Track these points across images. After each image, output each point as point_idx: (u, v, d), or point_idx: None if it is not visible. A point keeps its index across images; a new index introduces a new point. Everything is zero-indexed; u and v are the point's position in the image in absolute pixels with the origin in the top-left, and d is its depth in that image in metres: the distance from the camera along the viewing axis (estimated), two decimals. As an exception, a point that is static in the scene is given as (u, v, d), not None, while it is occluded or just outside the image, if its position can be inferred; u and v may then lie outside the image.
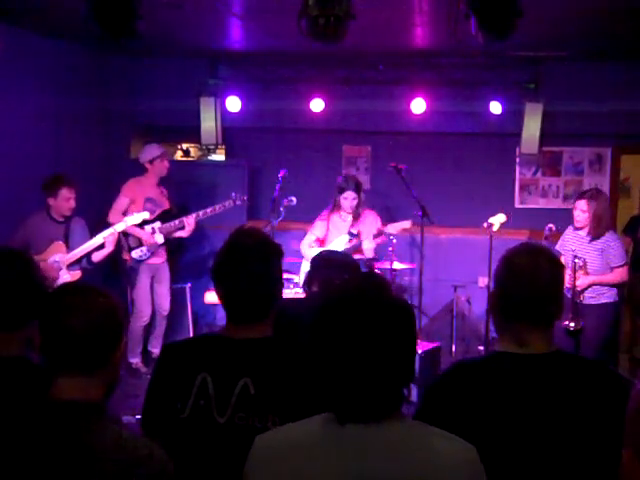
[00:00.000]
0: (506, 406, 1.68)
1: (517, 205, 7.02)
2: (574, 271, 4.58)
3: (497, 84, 6.36)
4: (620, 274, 4.62)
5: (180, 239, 5.95)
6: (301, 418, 1.43)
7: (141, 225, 5.58)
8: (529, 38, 5.11)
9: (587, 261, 4.64)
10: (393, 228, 5.42)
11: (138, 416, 4.62)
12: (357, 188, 5.49)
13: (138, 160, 5.95)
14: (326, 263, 3.03)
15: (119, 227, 5.28)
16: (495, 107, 6.35)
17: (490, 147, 6.93)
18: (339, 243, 5.48)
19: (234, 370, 1.77)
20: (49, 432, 1.45)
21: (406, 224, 5.42)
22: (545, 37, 5.50)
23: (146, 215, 5.44)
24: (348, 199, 5.47)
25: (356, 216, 5.53)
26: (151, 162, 5.73)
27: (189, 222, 5.62)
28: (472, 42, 3.63)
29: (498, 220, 5.61)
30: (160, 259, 5.84)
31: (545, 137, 6.17)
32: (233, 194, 5.76)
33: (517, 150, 6.42)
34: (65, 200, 5.00)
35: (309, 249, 5.52)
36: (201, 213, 5.64)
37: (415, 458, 1.32)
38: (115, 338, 1.58)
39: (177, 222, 5.64)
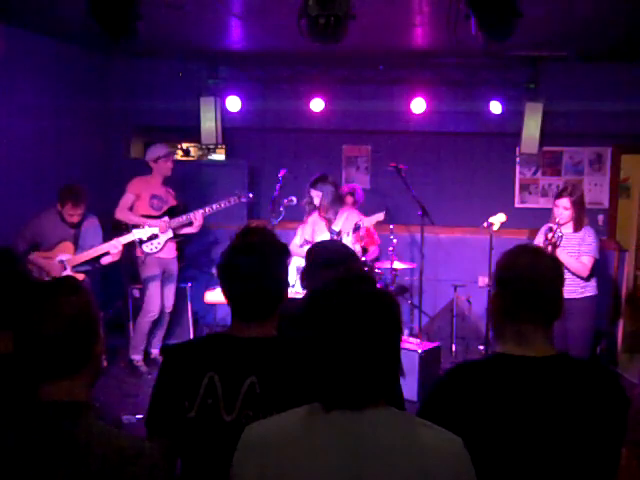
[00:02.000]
0: (507, 409, 1.68)
1: (517, 205, 7.02)
2: (547, 243, 4.63)
3: (497, 84, 6.36)
4: (584, 264, 4.62)
5: (187, 237, 5.96)
6: None
7: (145, 217, 5.63)
8: (529, 38, 5.12)
9: (562, 244, 4.65)
10: (368, 221, 5.41)
11: (138, 416, 4.65)
12: (315, 185, 5.50)
13: (140, 160, 5.97)
14: (320, 259, 3.02)
15: (126, 239, 5.32)
16: (495, 107, 6.36)
17: (490, 147, 6.93)
18: None
19: (241, 369, 1.79)
20: (37, 432, 1.45)
21: (379, 216, 5.39)
22: (545, 37, 5.50)
23: (155, 230, 5.48)
24: (314, 197, 5.53)
25: (333, 214, 5.53)
26: (155, 161, 5.75)
27: (196, 217, 5.64)
28: (472, 42, 3.63)
29: (498, 220, 5.62)
30: (171, 254, 5.86)
31: (545, 137, 6.17)
32: (237, 190, 5.77)
33: (517, 150, 6.43)
34: (68, 215, 5.09)
35: (300, 248, 5.56)
36: (207, 209, 5.66)
37: (401, 446, 1.34)
38: (91, 334, 1.56)
39: (184, 217, 5.67)
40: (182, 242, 6.11)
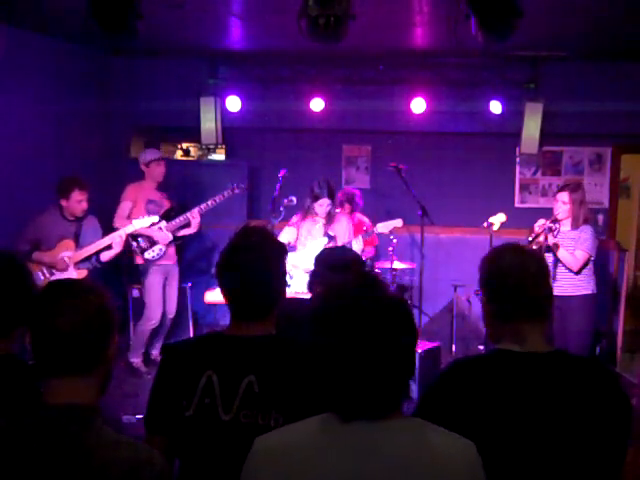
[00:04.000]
0: (506, 405, 1.68)
1: (517, 205, 7.02)
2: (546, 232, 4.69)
3: (497, 84, 6.36)
4: (576, 257, 4.67)
5: (186, 239, 5.96)
6: (304, 416, 1.44)
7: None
8: (529, 38, 5.12)
9: (560, 244, 4.71)
10: (385, 227, 5.38)
11: (138, 416, 4.66)
12: (330, 194, 5.47)
13: (138, 162, 5.96)
14: (327, 263, 3.03)
15: (127, 230, 5.30)
16: (495, 107, 6.36)
17: (490, 147, 6.94)
18: (318, 247, 5.46)
19: (239, 368, 1.78)
20: (46, 437, 1.43)
21: (398, 222, 5.38)
22: (545, 37, 5.50)
23: (155, 219, 5.46)
24: (323, 206, 5.39)
25: (330, 219, 5.50)
26: (147, 165, 5.73)
27: (194, 215, 5.64)
28: (472, 42, 3.63)
29: (498, 219, 5.62)
30: (171, 260, 5.85)
31: (545, 137, 6.17)
32: (231, 183, 5.77)
33: (517, 150, 6.43)
34: (77, 202, 5.07)
35: None
36: (203, 206, 5.64)
37: (417, 454, 1.33)
38: (106, 335, 1.55)
39: (182, 218, 5.66)
40: (181, 245, 6.09)
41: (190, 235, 5.88)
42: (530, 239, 4.71)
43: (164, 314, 5.88)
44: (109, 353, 1.57)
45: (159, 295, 5.78)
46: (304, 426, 1.42)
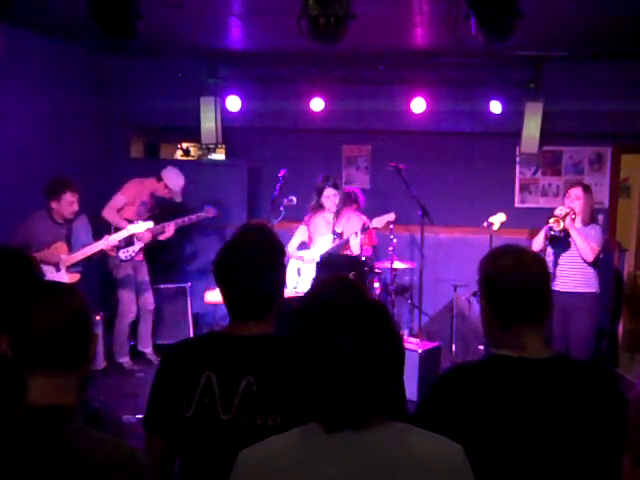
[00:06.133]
0: (504, 412, 1.67)
1: (517, 205, 7.02)
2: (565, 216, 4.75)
3: (497, 84, 6.36)
4: (592, 247, 4.75)
5: (161, 243, 6.07)
6: (301, 416, 1.43)
7: (129, 222, 5.66)
8: (529, 38, 5.12)
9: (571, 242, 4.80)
10: (378, 222, 5.40)
11: (138, 415, 4.66)
12: (336, 185, 5.52)
13: (140, 160, 5.99)
14: (331, 267, 3.03)
15: (122, 235, 5.31)
16: (495, 107, 6.35)
17: (490, 147, 6.93)
18: (324, 243, 5.50)
19: (238, 368, 1.78)
20: (24, 439, 1.43)
21: (390, 216, 5.41)
22: (545, 37, 5.50)
23: (150, 224, 5.52)
24: (330, 197, 5.50)
25: (337, 214, 5.54)
26: (159, 181, 5.85)
27: (169, 228, 5.80)
28: (472, 42, 3.63)
29: (498, 219, 5.63)
30: (139, 257, 5.93)
31: (545, 137, 6.17)
32: (207, 207, 5.92)
33: (517, 150, 6.42)
34: (68, 204, 5.06)
35: (297, 250, 5.62)
36: (179, 221, 5.84)
37: (403, 459, 1.31)
38: (87, 334, 1.57)
39: (160, 227, 5.80)
40: (180, 244, 6.13)
41: (161, 240, 5.96)
42: (560, 215, 4.72)
43: (140, 308, 5.93)
44: (90, 352, 1.59)
45: (130, 289, 5.87)
46: (287, 437, 1.40)
